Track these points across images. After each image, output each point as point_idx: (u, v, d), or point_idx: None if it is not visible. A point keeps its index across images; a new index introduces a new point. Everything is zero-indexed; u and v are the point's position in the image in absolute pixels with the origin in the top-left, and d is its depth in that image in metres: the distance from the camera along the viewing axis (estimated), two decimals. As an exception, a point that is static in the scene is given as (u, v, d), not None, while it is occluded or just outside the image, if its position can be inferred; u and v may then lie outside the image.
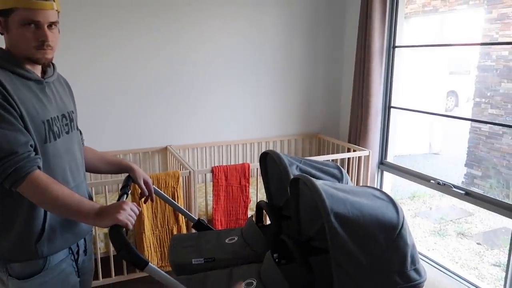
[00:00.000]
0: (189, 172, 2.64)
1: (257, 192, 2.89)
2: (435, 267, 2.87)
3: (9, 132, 1.17)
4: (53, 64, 1.41)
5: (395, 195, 5.30)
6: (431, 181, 2.86)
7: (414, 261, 1.23)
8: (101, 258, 2.55)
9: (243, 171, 2.76)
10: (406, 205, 5.25)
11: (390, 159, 3.39)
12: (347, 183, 1.65)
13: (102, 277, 2.57)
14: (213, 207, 2.73)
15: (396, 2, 3.12)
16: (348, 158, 3.22)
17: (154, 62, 3.17)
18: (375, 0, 3.04)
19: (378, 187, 3.42)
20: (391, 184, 3.59)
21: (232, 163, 3.57)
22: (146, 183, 1.66)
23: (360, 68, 3.27)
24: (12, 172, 1.16)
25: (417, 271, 1.23)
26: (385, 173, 3.41)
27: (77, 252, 1.43)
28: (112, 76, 3.07)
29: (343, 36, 3.73)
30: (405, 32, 3.26)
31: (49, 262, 1.31)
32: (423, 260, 2.97)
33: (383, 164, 3.39)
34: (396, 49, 3.20)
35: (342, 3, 3.66)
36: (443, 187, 2.77)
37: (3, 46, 1.30)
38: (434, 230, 4.60)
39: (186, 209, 2.67)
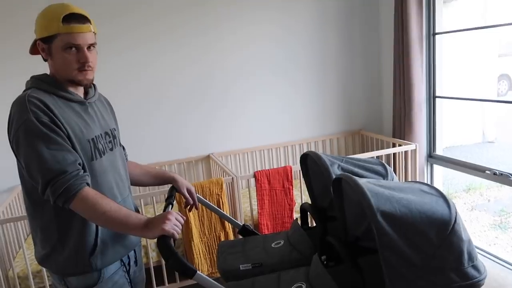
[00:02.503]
0: (232, 178, 2.66)
1: (301, 194, 2.86)
2: (498, 263, 2.69)
3: (57, 152, 1.23)
4: (94, 85, 1.47)
5: (448, 189, 5.04)
6: (487, 171, 2.69)
7: (471, 257, 1.16)
8: (154, 267, 2.62)
9: (285, 174, 2.74)
10: (461, 198, 4.97)
11: (439, 151, 3.24)
12: (392, 180, 1.59)
13: (156, 286, 2.64)
14: (258, 211, 2.73)
15: (433, -13, 2.99)
16: (394, 154, 3.10)
17: (190, 72, 3.24)
18: (410, -13, 2.93)
19: (428, 182, 3.27)
20: (442, 177, 3.42)
21: (275, 166, 3.56)
22: (189, 192, 1.69)
23: (399, 58, 3.15)
24: (64, 191, 1.22)
25: (475, 267, 1.16)
26: (435, 166, 3.25)
27: (129, 264, 1.48)
28: (150, 89, 3.17)
29: (378, 27, 3.62)
30: (445, 17, 3.11)
31: (103, 275, 1.36)
32: (483, 256, 2.79)
33: (432, 157, 3.24)
34: (437, 36, 3.06)
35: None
36: (501, 177, 2.59)
37: (46, 72, 1.38)
38: (494, 223, 4.32)
39: (232, 215, 2.69)
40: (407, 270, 1.11)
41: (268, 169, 2.73)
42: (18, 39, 2.77)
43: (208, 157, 3.39)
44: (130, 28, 3.04)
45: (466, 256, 1.14)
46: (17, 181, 1.35)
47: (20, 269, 2.42)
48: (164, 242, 1.21)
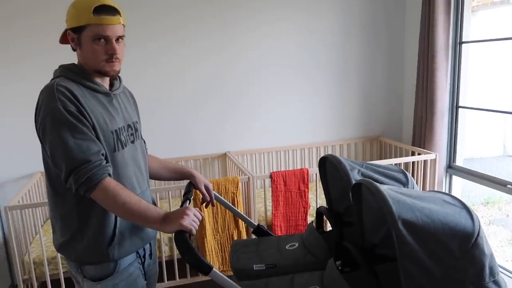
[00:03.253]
0: (248, 177, 2.66)
1: (316, 198, 2.84)
2: (516, 280, 2.63)
3: (82, 141, 1.25)
4: (119, 77, 1.49)
5: (466, 201, 4.94)
6: (508, 185, 2.63)
7: (493, 273, 1.13)
8: (166, 261, 2.64)
9: (302, 176, 2.73)
10: (479, 211, 4.87)
11: (459, 162, 3.17)
12: (413, 188, 1.56)
13: (167, 280, 2.66)
14: (272, 212, 2.73)
15: (462, -5, 2.93)
16: (413, 162, 3.05)
17: (211, 69, 3.25)
18: (439, -6, 2.88)
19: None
20: (461, 189, 3.35)
21: (291, 168, 3.55)
22: (207, 188, 1.69)
23: (423, 66, 3.10)
24: (86, 180, 1.23)
25: (496, 283, 1.13)
26: (454, 177, 3.19)
27: (144, 256, 1.49)
28: (171, 85, 3.20)
29: (403, 33, 3.57)
30: (473, 26, 3.05)
31: (119, 266, 1.38)
32: (502, 272, 2.72)
33: (451, 168, 3.18)
34: (463, 45, 3.00)
35: (402, -3, 3.52)
36: (522, 192, 2.53)
37: (74, 61, 1.40)
38: (512, 239, 4.22)
39: (246, 214, 2.69)
40: (426, 281, 1.09)
41: (285, 171, 2.72)
42: (43, 33, 2.83)
43: (224, 155, 3.39)
44: (150, 23, 3.06)
45: (487, 270, 1.12)
46: (37, 167, 1.39)
47: (36, 255, 2.46)
48: (182, 237, 1.21)
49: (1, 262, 2.82)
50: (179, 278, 2.69)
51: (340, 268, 1.45)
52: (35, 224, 2.66)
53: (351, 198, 1.39)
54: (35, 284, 2.42)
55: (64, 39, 1.39)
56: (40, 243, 2.36)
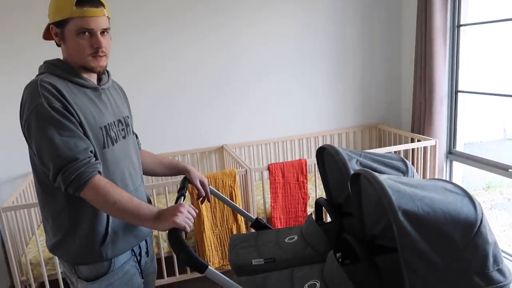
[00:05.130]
0: (246, 170, 2.62)
1: (315, 188, 2.80)
2: (519, 265, 2.60)
3: (69, 139, 1.20)
4: (107, 71, 1.44)
5: (467, 186, 4.90)
6: (510, 170, 2.59)
7: (497, 261, 1.10)
8: (165, 257, 2.61)
9: (300, 167, 2.69)
10: (480, 196, 4.85)
11: (459, 147, 3.14)
12: (413, 177, 1.53)
13: (167, 276, 2.64)
14: (271, 205, 2.69)
15: (459, -23, 2.87)
16: (413, 149, 3.01)
17: (206, 64, 3.20)
18: (435, -24, 2.82)
19: (448, 179, 3.18)
20: (462, 174, 3.32)
21: (289, 159, 3.51)
22: (202, 183, 1.66)
23: (421, 50, 3.05)
24: (75, 178, 1.19)
25: (500, 271, 1.10)
26: (454, 163, 3.16)
27: (139, 254, 1.46)
28: (167, 80, 3.15)
29: (400, 17, 3.51)
30: (471, 8, 2.98)
31: (114, 265, 1.34)
32: (505, 257, 2.70)
33: (452, 153, 3.14)
34: (462, 27, 2.94)
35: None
36: (524, 176, 2.50)
37: (60, 57, 1.35)
38: (515, 223, 4.21)
39: (244, 208, 2.66)
40: (428, 272, 1.06)
41: (283, 162, 2.69)
42: (30, 27, 2.76)
43: (221, 148, 3.35)
44: (153, 18, 3.02)
45: (491, 259, 1.09)
46: (30, 167, 1.33)
47: (32, 256, 2.44)
48: (175, 235, 1.18)
49: (-1, 263, 2.80)
50: (179, 274, 2.67)
51: (340, 260, 1.42)
52: (31, 224, 2.62)
53: (349, 189, 1.36)
54: (33, 285, 2.40)
55: (47, 35, 1.34)
56: (36, 244, 2.33)
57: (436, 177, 3.05)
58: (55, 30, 1.28)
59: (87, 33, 1.25)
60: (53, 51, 1.43)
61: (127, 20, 2.94)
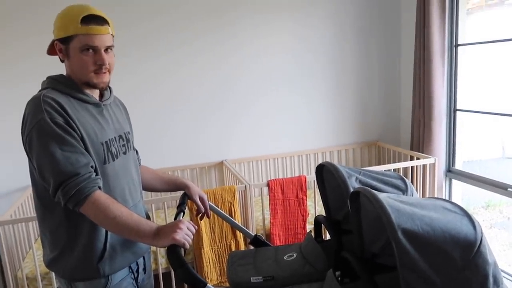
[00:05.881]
0: (245, 186, 2.62)
1: (315, 205, 2.80)
2: (519, 285, 2.58)
3: (71, 154, 1.21)
4: (109, 88, 1.46)
5: (466, 205, 4.90)
6: (509, 189, 2.59)
7: (497, 281, 1.09)
8: (162, 273, 2.58)
9: (299, 184, 2.69)
10: (480, 215, 4.83)
11: (458, 166, 3.14)
12: (412, 195, 1.52)
13: (164, 293, 2.61)
14: (270, 221, 2.68)
15: (456, -3, 2.92)
16: (412, 167, 3.02)
17: (206, 80, 3.23)
18: (433, -3, 2.87)
19: (447, 197, 3.17)
20: (461, 192, 3.32)
21: (289, 175, 3.51)
22: (201, 199, 1.66)
23: (419, 69, 3.08)
24: (75, 193, 1.19)
25: (501, 292, 1.09)
26: (453, 181, 3.16)
27: (137, 271, 1.45)
28: (167, 95, 3.17)
29: (399, 36, 3.56)
30: (468, 29, 3.03)
31: (111, 282, 1.33)
32: (504, 277, 2.68)
33: (451, 171, 3.15)
34: (460, 47, 2.98)
35: (396, 1, 3.50)
36: (524, 195, 2.50)
37: (62, 73, 1.36)
38: (515, 243, 4.18)
39: (243, 224, 2.64)
40: (428, 292, 1.05)
41: (282, 178, 2.69)
42: (33, 39, 2.80)
43: (221, 164, 3.35)
44: (152, 34, 3.06)
45: (491, 279, 1.08)
46: (29, 181, 1.34)
47: (29, 270, 2.41)
48: (174, 252, 1.17)
49: (-5, 277, 2.76)
50: (177, 290, 2.64)
51: (339, 279, 1.41)
52: (28, 239, 2.61)
53: (349, 207, 1.35)
54: (29, 300, 2.37)
55: (51, 50, 1.36)
56: (33, 258, 2.31)
57: (436, 195, 3.05)
58: (60, 46, 1.30)
59: (91, 50, 1.27)
60: (53, 62, 1.45)
61: (127, 35, 2.97)
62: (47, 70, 1.42)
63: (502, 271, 2.71)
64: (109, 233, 1.31)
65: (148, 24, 3.04)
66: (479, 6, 6.65)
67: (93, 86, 1.33)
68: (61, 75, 1.35)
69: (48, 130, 1.20)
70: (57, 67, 1.45)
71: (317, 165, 1.69)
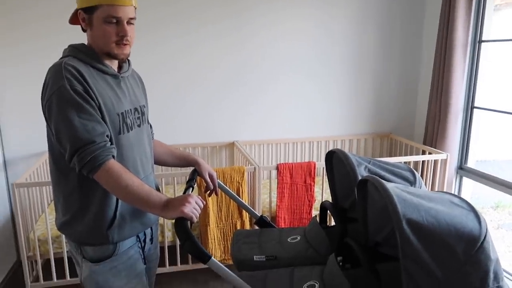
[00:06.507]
0: (254, 168, 2.64)
1: (322, 192, 2.81)
2: (521, 286, 2.58)
3: (88, 122, 1.24)
4: (128, 60, 1.48)
5: (476, 204, 4.85)
6: (520, 190, 2.57)
7: (497, 278, 1.10)
8: (168, 246, 2.65)
9: (308, 169, 2.70)
10: (488, 215, 4.80)
11: (471, 164, 3.11)
12: (420, 188, 1.53)
13: (169, 265, 2.67)
14: (277, 204, 2.71)
15: (484, -8, 2.84)
16: (423, 161, 3.00)
17: (224, 60, 3.23)
18: (460, -10, 2.80)
19: (457, 194, 3.15)
20: (471, 191, 3.29)
21: (299, 160, 3.52)
22: (211, 177, 1.68)
23: (440, 64, 3.03)
24: (90, 160, 1.22)
25: (500, 289, 1.10)
26: (464, 179, 3.13)
27: (144, 240, 1.49)
28: (185, 74, 3.18)
29: (421, 29, 3.49)
30: (495, 25, 2.95)
31: (119, 248, 1.38)
32: (506, 277, 2.68)
33: (462, 169, 3.12)
34: (483, 43, 2.92)
35: (422, -6, 3.44)
36: (534, 197, 2.47)
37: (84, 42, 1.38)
38: (521, 245, 4.15)
39: (250, 205, 2.68)
40: (428, 283, 1.07)
41: (292, 163, 2.70)
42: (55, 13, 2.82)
43: (232, 144, 3.38)
44: (172, 16, 3.06)
45: (492, 275, 1.09)
46: (46, 147, 1.37)
47: (40, 233, 2.49)
48: (182, 224, 1.20)
49: (8, 238, 2.87)
50: (181, 264, 2.70)
51: (341, 264, 1.43)
52: (41, 202, 2.68)
53: (356, 194, 1.37)
54: (39, 261, 2.46)
55: (74, 20, 1.38)
56: (45, 222, 2.38)
57: (445, 191, 3.03)
58: (83, 16, 1.31)
59: (114, 21, 1.29)
60: (77, 36, 1.47)
61: (150, 16, 2.99)
62: (63, 43, 1.44)
63: (507, 272, 2.70)
64: (119, 202, 1.35)
65: (170, 7, 3.04)
66: (508, 3, 6.45)
67: (113, 57, 1.35)
68: (83, 44, 1.37)
69: (67, 97, 1.22)
70: (75, 39, 1.46)
71: (327, 152, 1.70)
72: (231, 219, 2.64)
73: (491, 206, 5.01)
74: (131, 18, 1.32)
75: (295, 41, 3.31)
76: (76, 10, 1.34)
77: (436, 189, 3.01)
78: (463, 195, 3.17)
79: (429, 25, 3.39)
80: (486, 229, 1.10)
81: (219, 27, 3.15)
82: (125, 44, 1.33)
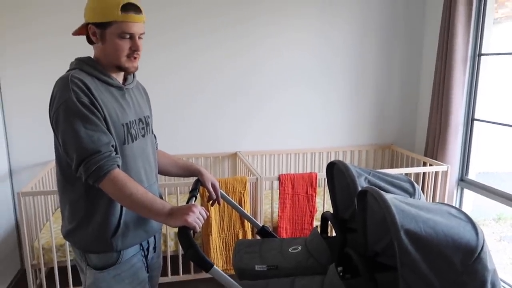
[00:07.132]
0: (257, 178, 2.67)
1: (323, 203, 2.83)
2: (523, 299, 2.58)
3: (94, 132, 1.27)
4: (133, 73, 1.52)
5: (477, 216, 4.86)
6: (521, 202, 2.58)
7: (495, 289, 1.12)
8: (170, 256, 2.66)
9: (310, 180, 2.73)
10: (490, 227, 4.79)
11: (472, 176, 3.13)
12: (419, 199, 1.55)
13: (171, 274, 2.69)
14: (278, 214, 2.73)
15: (483, 6, 2.89)
16: (424, 173, 3.02)
17: (227, 71, 3.27)
18: (459, 3, 2.84)
19: (457, 206, 3.17)
20: (472, 203, 3.30)
21: (300, 171, 3.55)
22: (213, 187, 1.71)
23: (440, 76, 3.07)
24: (95, 170, 1.26)
25: (498, 300, 1.11)
26: (465, 191, 3.14)
27: (147, 249, 1.51)
28: (187, 83, 3.23)
29: (422, 42, 3.54)
30: (494, 38, 3.00)
31: (122, 256, 1.40)
32: (507, 289, 2.67)
33: (463, 181, 3.13)
34: (483, 57, 2.96)
35: (421, 5, 3.48)
36: (535, 209, 2.48)
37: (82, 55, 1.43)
38: (523, 257, 4.13)
39: (252, 215, 2.70)
40: (425, 293, 1.08)
41: (293, 174, 2.73)
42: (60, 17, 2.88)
43: (235, 155, 3.41)
44: (174, 25, 3.12)
45: (489, 286, 1.10)
46: (51, 156, 1.41)
47: (45, 241, 2.52)
48: (185, 233, 1.23)
49: (12, 246, 2.89)
50: (183, 273, 2.72)
51: (341, 274, 1.44)
52: (46, 211, 2.71)
53: (356, 205, 1.39)
54: (43, 270, 2.47)
55: (80, 32, 1.42)
56: (50, 230, 2.41)
57: (443, 202, 3.04)
58: (94, 30, 1.35)
59: (128, 36, 1.34)
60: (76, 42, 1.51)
61: (152, 22, 3.01)
62: (70, 49, 1.48)
63: (508, 284, 2.70)
64: (124, 210, 1.38)
65: (172, 14, 3.09)
66: (508, 16, 6.50)
67: (124, 69, 1.39)
68: (89, 57, 1.41)
69: (74, 109, 1.26)
70: (79, 46, 1.50)
71: (328, 163, 1.72)
72: (233, 229, 2.66)
73: (492, 218, 4.99)
74: (142, 33, 1.38)
75: (297, 51, 3.36)
76: (86, 24, 1.38)
77: (437, 201, 3.02)
78: (464, 207, 3.17)
79: (429, 37, 3.43)
80: (484, 240, 1.12)
81: (220, 36, 3.20)
82: (135, 58, 1.38)
